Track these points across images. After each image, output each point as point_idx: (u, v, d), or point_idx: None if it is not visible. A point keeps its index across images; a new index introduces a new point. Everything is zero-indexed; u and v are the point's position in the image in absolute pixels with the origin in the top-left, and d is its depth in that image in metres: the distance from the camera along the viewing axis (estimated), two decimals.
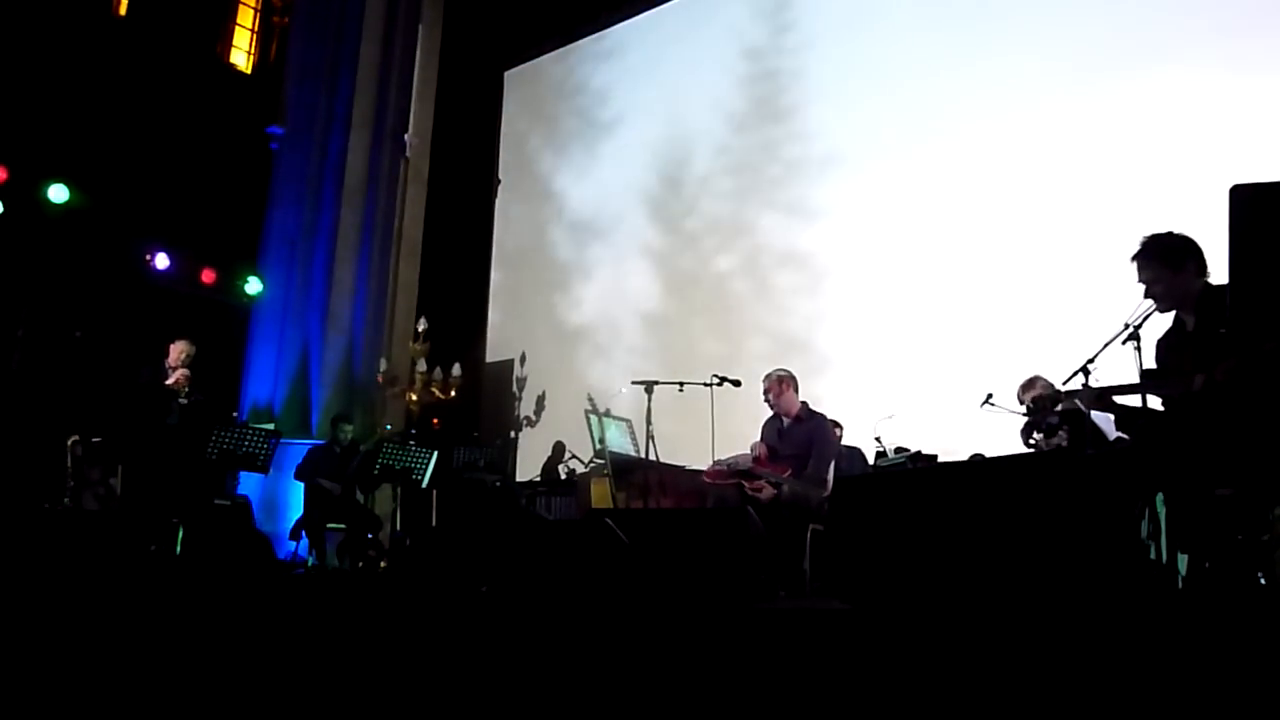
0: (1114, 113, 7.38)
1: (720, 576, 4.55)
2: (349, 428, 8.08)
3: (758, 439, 5.89)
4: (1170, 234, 3.71)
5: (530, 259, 11.76)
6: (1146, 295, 3.69)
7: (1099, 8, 7.68)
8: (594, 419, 7.47)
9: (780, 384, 5.77)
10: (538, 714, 2.61)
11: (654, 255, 10.33)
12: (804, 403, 5.85)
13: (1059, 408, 4.56)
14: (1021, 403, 5.39)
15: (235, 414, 9.52)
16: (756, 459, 5.64)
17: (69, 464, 6.91)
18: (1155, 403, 3.73)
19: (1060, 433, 4.89)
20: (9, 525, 5.63)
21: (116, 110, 10.25)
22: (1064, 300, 7.10)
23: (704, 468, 5.93)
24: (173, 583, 4.90)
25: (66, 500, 6.84)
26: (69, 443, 6.91)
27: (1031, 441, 5.17)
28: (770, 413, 5.94)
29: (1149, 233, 3.74)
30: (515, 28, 12.23)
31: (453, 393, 9.35)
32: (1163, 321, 3.78)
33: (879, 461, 6.63)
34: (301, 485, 7.66)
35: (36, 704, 2.52)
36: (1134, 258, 3.73)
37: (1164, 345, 3.76)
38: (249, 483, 8.06)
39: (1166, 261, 3.66)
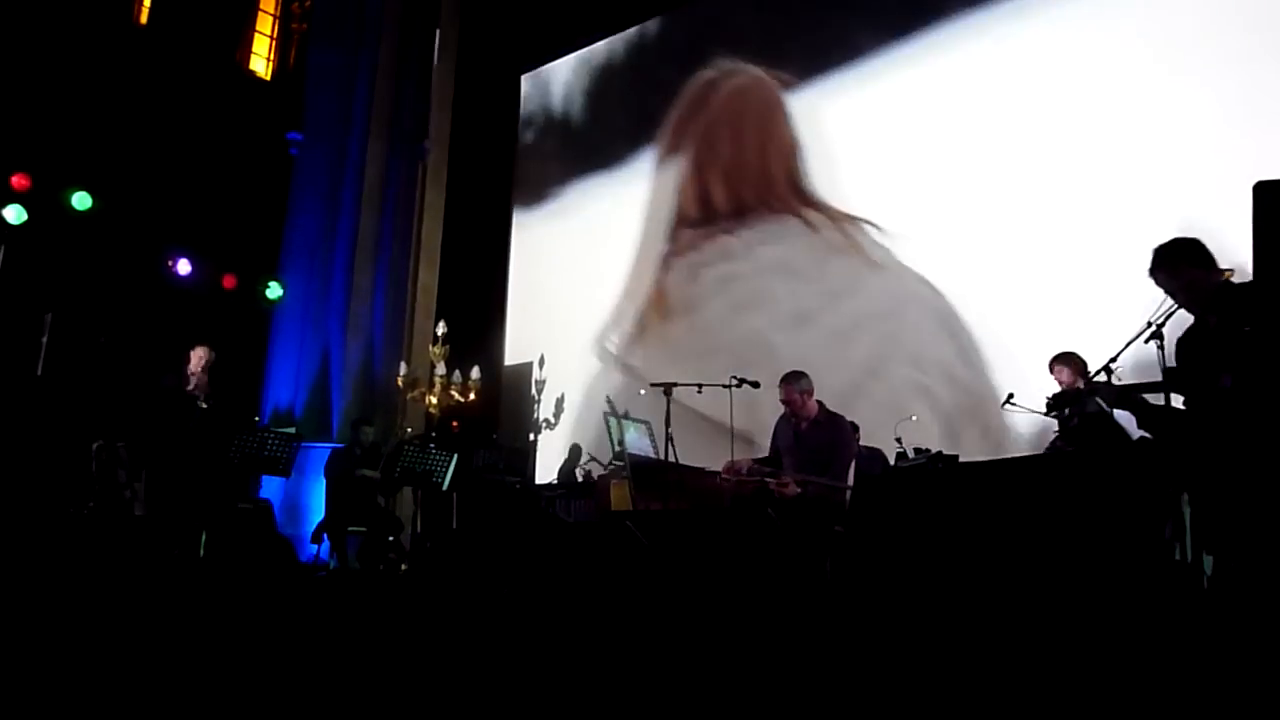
0: (1133, 108, 7.33)
1: (741, 578, 4.54)
2: (369, 430, 8.13)
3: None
4: (1176, 239, 3.74)
5: (548, 262, 11.77)
6: (1177, 301, 3.69)
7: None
8: (613, 421, 7.46)
9: (802, 392, 5.74)
10: (557, 714, 2.61)
11: (670, 256, 10.32)
12: (820, 403, 5.83)
13: (1081, 402, 4.55)
14: (1051, 371, 5.41)
15: (256, 418, 9.58)
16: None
17: (93, 468, 6.96)
18: (1178, 401, 3.70)
19: (1075, 420, 4.85)
20: (35, 529, 5.69)
21: (138, 118, 10.35)
22: (1085, 298, 7.06)
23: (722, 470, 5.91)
24: (197, 586, 4.93)
25: (91, 505, 6.90)
26: (93, 447, 6.96)
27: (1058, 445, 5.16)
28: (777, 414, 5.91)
29: (1155, 245, 3.77)
30: (532, 31, 12.26)
31: (472, 396, 9.37)
32: (1186, 318, 3.76)
33: (899, 462, 6.59)
34: (323, 489, 7.70)
35: (63, 705, 2.54)
36: (1153, 270, 3.75)
37: (1186, 344, 3.73)
38: (271, 486, 8.11)
39: (1192, 261, 3.66)
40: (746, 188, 9.76)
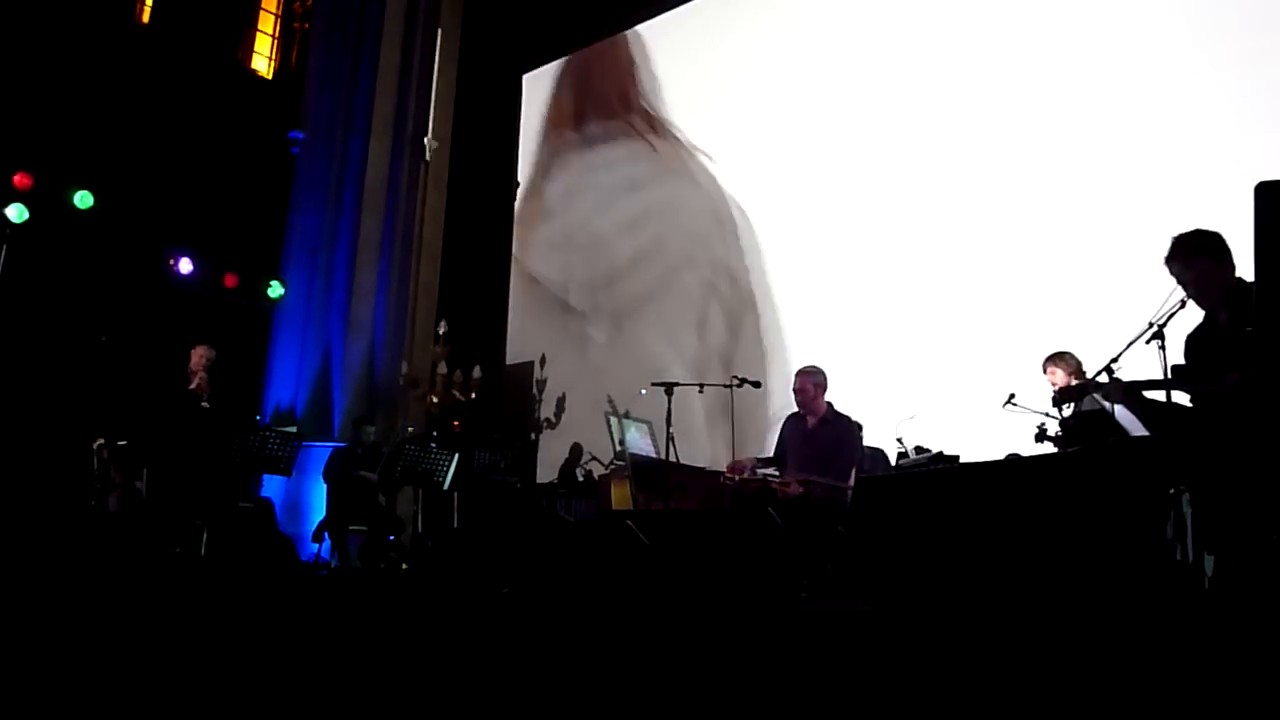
0: (1134, 108, 7.32)
1: (742, 578, 4.54)
2: (371, 429, 8.12)
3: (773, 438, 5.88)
4: (1197, 230, 3.67)
5: (550, 261, 11.78)
6: (1188, 293, 3.63)
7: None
8: (614, 420, 7.47)
9: (815, 385, 5.75)
10: (559, 714, 2.61)
11: (673, 255, 10.34)
12: (829, 403, 5.84)
13: (1084, 399, 4.54)
14: (1045, 372, 5.39)
15: (258, 417, 9.57)
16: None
17: (95, 467, 6.97)
18: (1183, 399, 3.68)
19: (1073, 419, 4.84)
20: (37, 527, 5.70)
21: (140, 117, 10.35)
22: (1086, 299, 7.05)
23: (724, 469, 5.92)
24: (197, 584, 4.94)
25: (92, 503, 6.91)
26: (95, 446, 6.97)
27: (1052, 434, 5.15)
28: (781, 412, 5.93)
29: (1177, 233, 3.70)
30: (533, 31, 12.26)
31: (473, 395, 9.37)
32: (1188, 319, 3.74)
33: (900, 462, 6.60)
34: (324, 487, 7.69)
35: (64, 703, 2.54)
36: (1170, 258, 3.67)
37: (1195, 341, 3.70)
38: (272, 485, 8.11)
39: (1211, 255, 3.61)
40: (606, 111, 11.76)
